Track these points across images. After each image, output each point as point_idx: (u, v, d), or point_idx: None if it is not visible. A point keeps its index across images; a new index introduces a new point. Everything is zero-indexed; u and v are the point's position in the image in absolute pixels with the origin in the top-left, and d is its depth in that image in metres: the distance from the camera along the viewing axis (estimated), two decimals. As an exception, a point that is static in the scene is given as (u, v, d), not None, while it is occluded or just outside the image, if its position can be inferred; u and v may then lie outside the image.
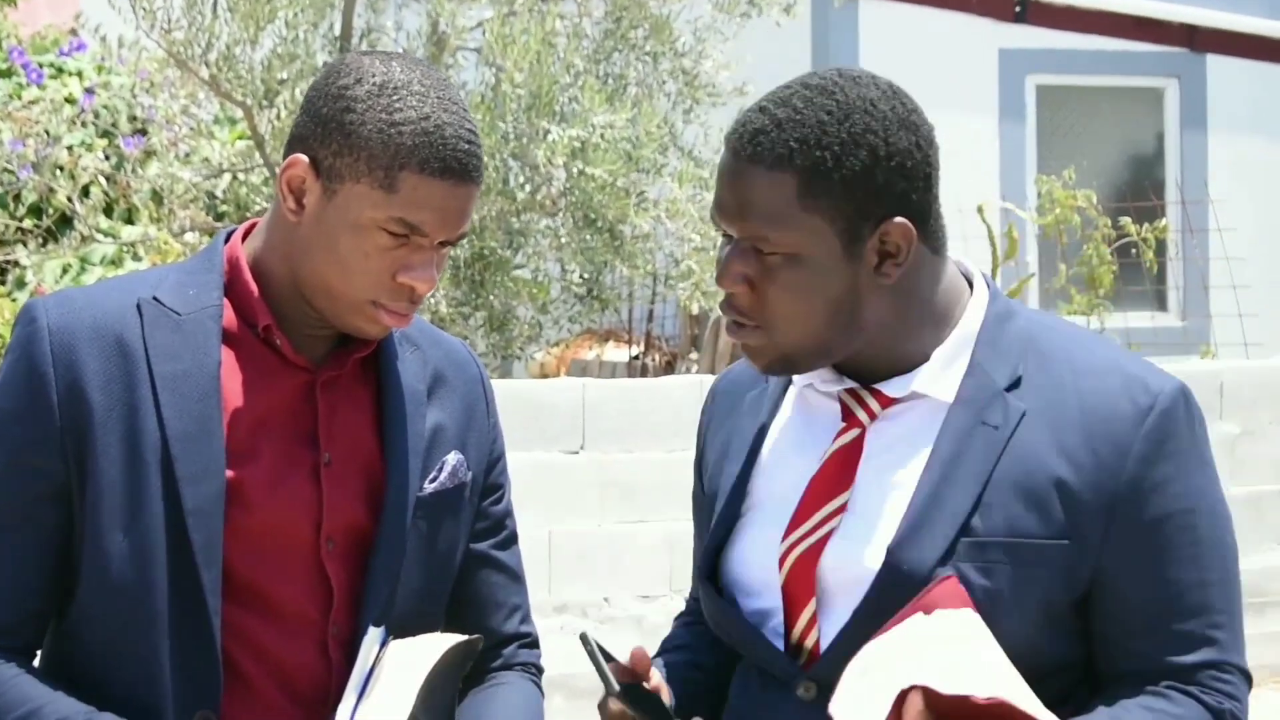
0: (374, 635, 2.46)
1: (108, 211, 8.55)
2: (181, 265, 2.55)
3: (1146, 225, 10.42)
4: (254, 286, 2.49)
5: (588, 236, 8.24)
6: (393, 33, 8.43)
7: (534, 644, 2.69)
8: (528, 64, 8.03)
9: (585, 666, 2.50)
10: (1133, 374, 2.37)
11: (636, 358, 10.10)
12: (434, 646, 2.45)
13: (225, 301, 2.48)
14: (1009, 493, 2.33)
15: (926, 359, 2.40)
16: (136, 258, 8.22)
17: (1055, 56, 12.72)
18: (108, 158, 8.66)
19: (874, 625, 2.32)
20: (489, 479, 2.63)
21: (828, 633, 2.38)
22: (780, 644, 2.42)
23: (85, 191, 8.37)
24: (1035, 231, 10.95)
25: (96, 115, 8.91)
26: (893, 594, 2.33)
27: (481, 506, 2.62)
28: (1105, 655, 2.39)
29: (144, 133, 8.64)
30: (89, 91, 9.07)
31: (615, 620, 7.19)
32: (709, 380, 7.73)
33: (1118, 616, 2.36)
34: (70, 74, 9.28)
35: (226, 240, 2.53)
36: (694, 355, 9.88)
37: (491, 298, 8.37)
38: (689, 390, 7.45)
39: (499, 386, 7.33)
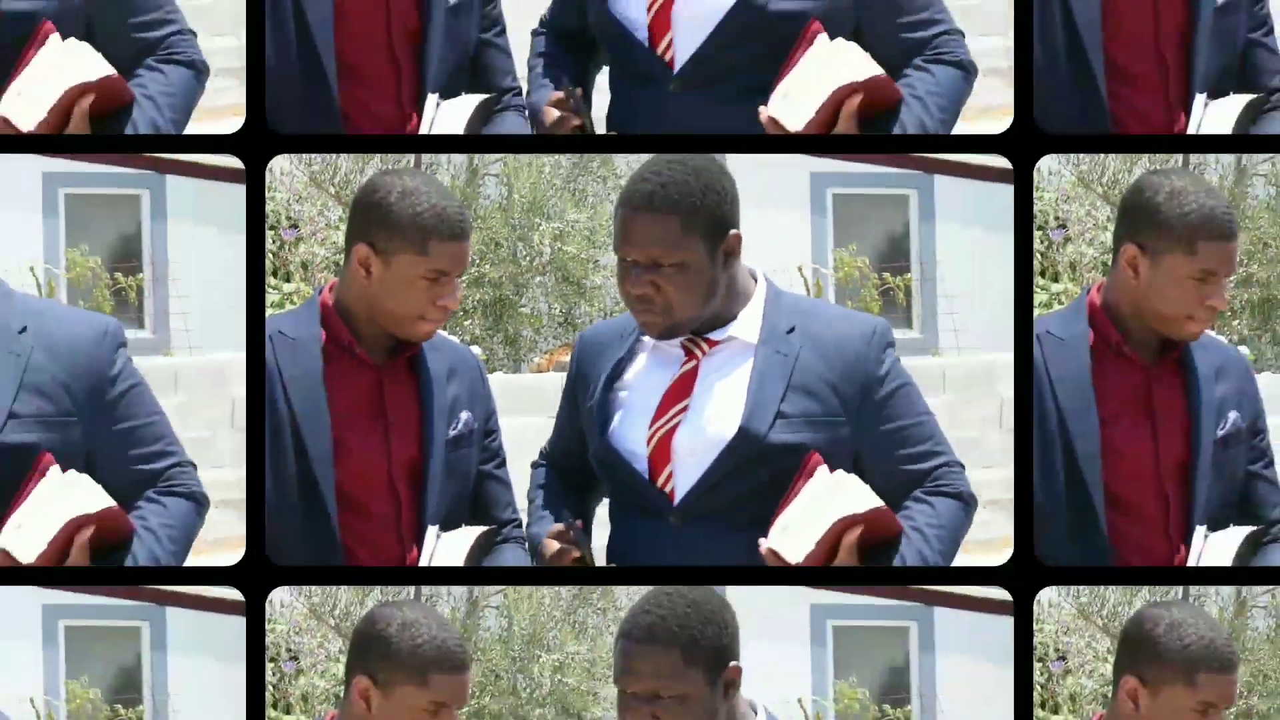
0: (432, 532, 3.40)
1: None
2: (295, 310, 3.52)
3: (898, 277, 14.95)
4: (340, 320, 3.38)
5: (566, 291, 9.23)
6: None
7: (521, 525, 3.55)
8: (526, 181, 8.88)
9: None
10: (858, 316, 3.45)
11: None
12: (468, 535, 3.42)
13: (322, 331, 3.39)
14: (801, 392, 3.34)
15: (734, 319, 3.35)
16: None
17: (845, 176, 17.16)
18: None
19: (723, 475, 3.31)
20: (486, 426, 3.54)
21: (680, 485, 3.34)
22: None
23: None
24: (833, 282, 15.33)
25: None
26: (741, 452, 3.33)
27: (484, 444, 3.53)
28: (874, 488, 3.31)
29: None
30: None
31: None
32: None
33: (878, 459, 3.35)
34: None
35: (319, 292, 3.42)
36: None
37: (506, 325, 10.62)
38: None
39: (511, 380, 8.37)
